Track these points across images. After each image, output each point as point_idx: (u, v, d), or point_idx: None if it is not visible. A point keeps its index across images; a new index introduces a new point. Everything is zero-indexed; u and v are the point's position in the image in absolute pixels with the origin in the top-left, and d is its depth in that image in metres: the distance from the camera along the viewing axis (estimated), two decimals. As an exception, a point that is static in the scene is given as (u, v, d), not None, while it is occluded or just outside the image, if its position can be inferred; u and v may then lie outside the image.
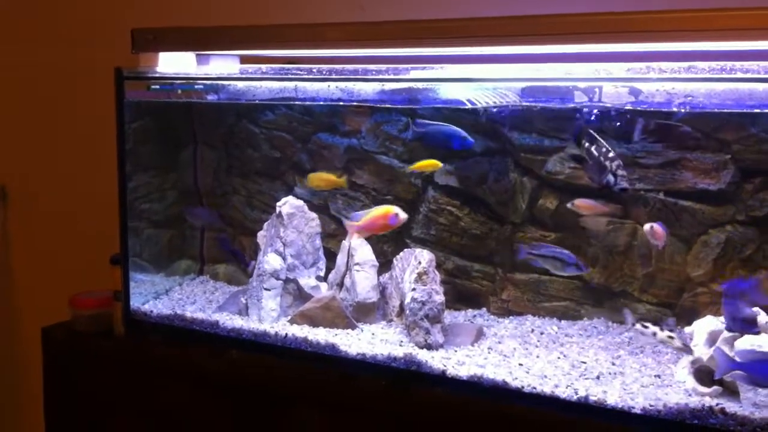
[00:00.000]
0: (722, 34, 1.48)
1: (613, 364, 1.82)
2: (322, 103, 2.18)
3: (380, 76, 1.97)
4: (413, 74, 1.93)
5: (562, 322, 2.10)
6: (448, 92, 1.95)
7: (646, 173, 1.93)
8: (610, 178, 1.76)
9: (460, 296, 2.23)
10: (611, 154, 1.77)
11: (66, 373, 2.32)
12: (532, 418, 1.68)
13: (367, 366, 1.90)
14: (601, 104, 1.73)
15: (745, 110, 1.63)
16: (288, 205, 2.18)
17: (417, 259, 1.99)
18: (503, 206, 2.15)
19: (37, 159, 3.02)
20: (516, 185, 2.12)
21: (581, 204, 1.99)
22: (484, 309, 2.21)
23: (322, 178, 2.28)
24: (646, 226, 1.86)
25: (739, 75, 1.55)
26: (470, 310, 2.22)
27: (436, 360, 1.85)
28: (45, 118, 2.98)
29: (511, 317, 2.15)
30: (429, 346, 1.91)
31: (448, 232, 2.22)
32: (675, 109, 1.68)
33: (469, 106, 1.88)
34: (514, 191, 2.12)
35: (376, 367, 1.89)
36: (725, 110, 1.64)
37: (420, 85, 1.94)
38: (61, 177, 2.96)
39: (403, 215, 2.10)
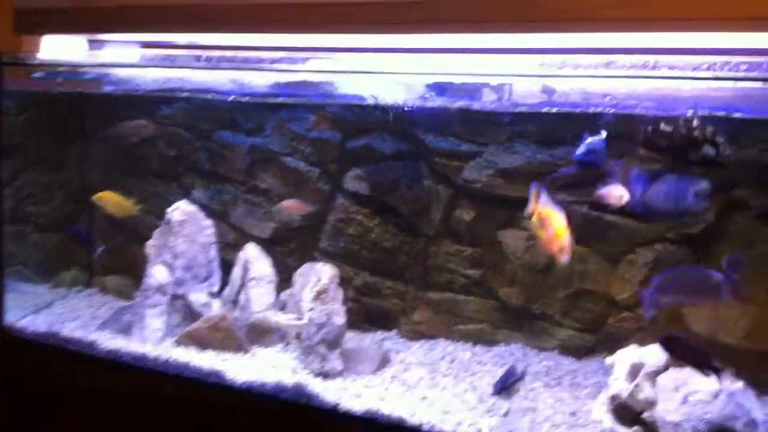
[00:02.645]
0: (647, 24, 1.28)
1: (526, 398, 1.62)
2: (222, 97, 1.95)
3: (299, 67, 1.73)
4: (310, 65, 1.70)
5: (477, 347, 1.90)
6: (350, 86, 1.74)
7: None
8: (709, 149, 1.46)
9: (369, 316, 2.01)
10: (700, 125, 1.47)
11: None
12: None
13: (254, 397, 1.69)
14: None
15: (671, 114, 1.42)
16: (179, 211, 1.95)
17: (317, 275, 1.77)
18: (417, 217, 1.93)
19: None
20: (430, 194, 1.90)
21: (287, 205, 2.01)
22: (395, 331, 1.99)
23: (115, 202, 2.08)
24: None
25: (666, 72, 1.34)
26: (380, 332, 2.00)
27: (329, 391, 1.64)
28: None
29: (422, 341, 1.94)
30: (325, 375, 1.71)
31: (358, 245, 1.99)
32: (597, 110, 1.47)
33: (373, 101, 1.67)
34: (428, 200, 1.90)
35: (262, 398, 1.68)
36: (648, 113, 1.44)
37: (318, 78, 1.72)
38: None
39: (566, 257, 1.49)
